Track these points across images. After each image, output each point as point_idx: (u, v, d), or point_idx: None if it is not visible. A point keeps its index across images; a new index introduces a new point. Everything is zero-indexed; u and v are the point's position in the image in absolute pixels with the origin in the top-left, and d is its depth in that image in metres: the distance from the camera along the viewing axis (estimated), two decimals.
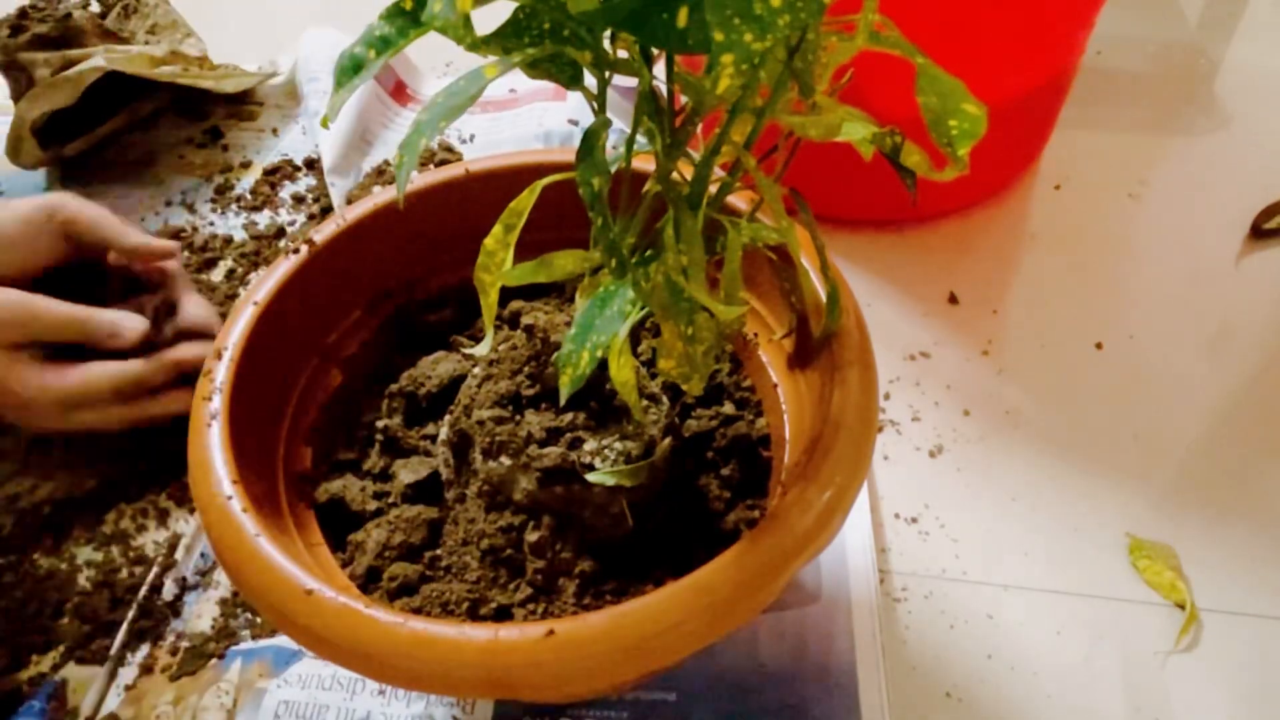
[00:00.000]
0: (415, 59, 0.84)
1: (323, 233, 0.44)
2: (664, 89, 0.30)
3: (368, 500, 0.41)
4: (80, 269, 0.55)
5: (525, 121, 0.76)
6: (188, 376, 0.53)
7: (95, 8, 0.77)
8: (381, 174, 0.72)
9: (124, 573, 0.50)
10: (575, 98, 0.77)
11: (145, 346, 0.52)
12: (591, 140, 0.28)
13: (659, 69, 0.29)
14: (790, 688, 0.43)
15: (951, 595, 0.48)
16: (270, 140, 0.77)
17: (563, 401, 0.32)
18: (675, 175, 0.31)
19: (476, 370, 0.40)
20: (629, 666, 0.31)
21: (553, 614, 0.36)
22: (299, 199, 0.71)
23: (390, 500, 0.41)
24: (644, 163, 0.32)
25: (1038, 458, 0.54)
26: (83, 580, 0.49)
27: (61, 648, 0.47)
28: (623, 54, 0.29)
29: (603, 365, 0.34)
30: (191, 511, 0.52)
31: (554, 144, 0.74)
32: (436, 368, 0.44)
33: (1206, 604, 0.47)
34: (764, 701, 0.43)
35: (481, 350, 0.36)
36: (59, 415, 0.50)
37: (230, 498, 0.34)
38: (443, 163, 0.73)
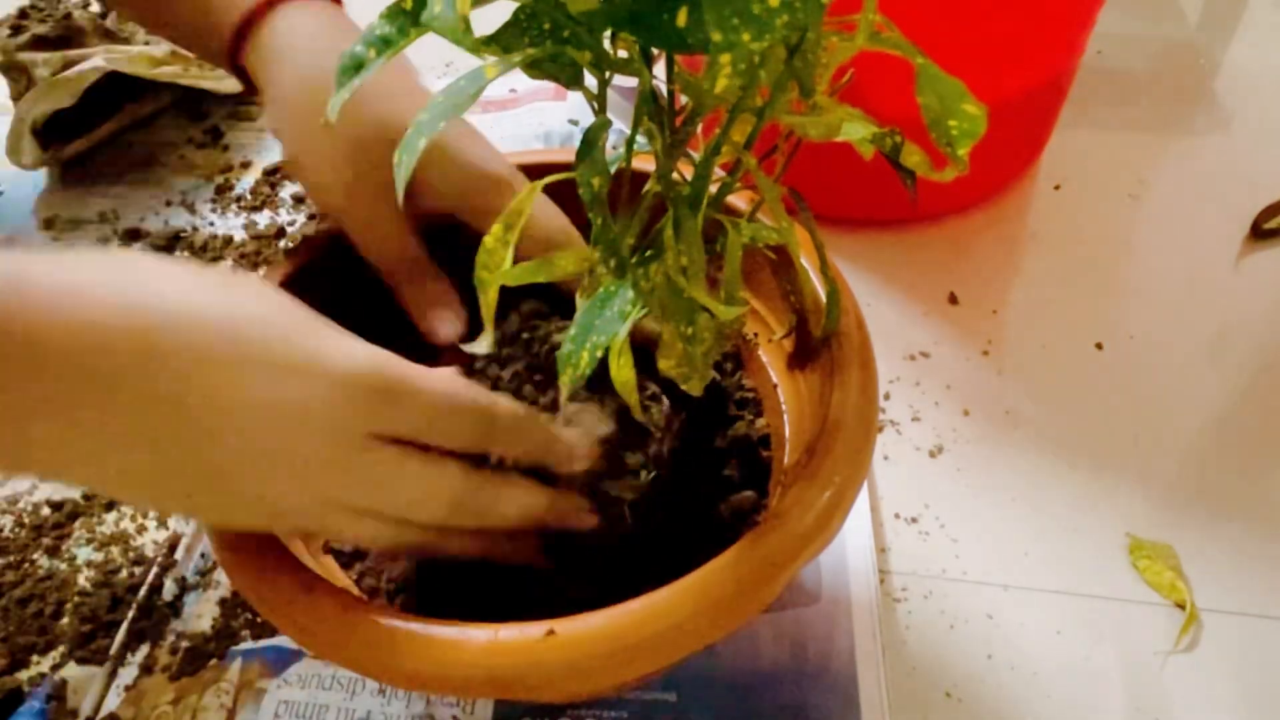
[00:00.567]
0: (415, 59, 0.84)
1: (322, 233, 0.44)
2: (664, 89, 0.30)
3: None
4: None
5: (525, 121, 0.76)
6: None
7: (95, 8, 0.77)
8: None
9: (124, 573, 0.50)
10: (575, 98, 0.77)
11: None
12: (591, 140, 0.28)
13: (659, 69, 0.29)
14: (790, 688, 0.43)
15: (951, 595, 0.48)
16: (270, 140, 0.77)
17: (563, 400, 0.32)
18: (675, 175, 0.31)
19: (477, 365, 0.40)
20: (629, 666, 0.31)
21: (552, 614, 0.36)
22: (299, 199, 0.71)
23: None
24: (644, 163, 0.32)
25: (1038, 458, 0.54)
26: (83, 580, 0.49)
27: (61, 648, 0.47)
28: (623, 54, 0.29)
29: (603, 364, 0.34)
30: None
31: (554, 144, 0.73)
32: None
33: (1206, 604, 0.47)
34: (764, 701, 0.43)
35: (480, 347, 0.36)
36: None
37: None
38: None
